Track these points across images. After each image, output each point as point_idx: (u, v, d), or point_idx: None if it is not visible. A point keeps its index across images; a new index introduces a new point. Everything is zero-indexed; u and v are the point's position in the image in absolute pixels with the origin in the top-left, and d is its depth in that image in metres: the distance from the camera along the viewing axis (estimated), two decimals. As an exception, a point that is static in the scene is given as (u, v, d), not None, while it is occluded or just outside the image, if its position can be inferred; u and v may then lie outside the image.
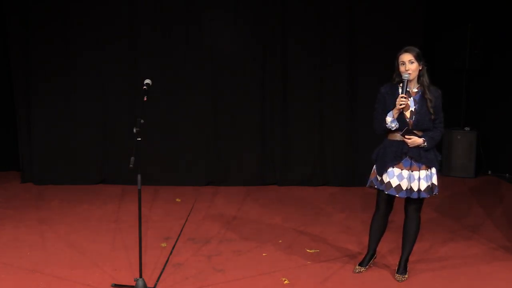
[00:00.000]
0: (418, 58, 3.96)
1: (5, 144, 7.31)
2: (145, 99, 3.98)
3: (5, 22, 6.88)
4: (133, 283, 3.93)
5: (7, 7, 6.82)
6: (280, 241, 5.03)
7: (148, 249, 4.76)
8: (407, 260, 4.24)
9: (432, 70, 7.76)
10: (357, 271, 4.27)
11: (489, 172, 7.54)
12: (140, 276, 3.93)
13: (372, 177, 4.15)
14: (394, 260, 4.47)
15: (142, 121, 3.82)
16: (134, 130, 3.79)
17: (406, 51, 3.98)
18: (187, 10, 6.84)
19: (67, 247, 4.84)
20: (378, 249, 4.40)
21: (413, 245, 4.23)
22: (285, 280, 4.17)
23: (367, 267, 4.31)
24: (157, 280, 4.15)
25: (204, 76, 6.94)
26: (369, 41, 6.82)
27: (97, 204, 6.18)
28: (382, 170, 4.03)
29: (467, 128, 7.42)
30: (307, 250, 4.79)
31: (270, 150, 7.09)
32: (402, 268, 4.22)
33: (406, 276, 4.19)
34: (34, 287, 4.05)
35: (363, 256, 4.42)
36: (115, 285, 4.06)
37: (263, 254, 4.70)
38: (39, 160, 6.99)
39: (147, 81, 4.10)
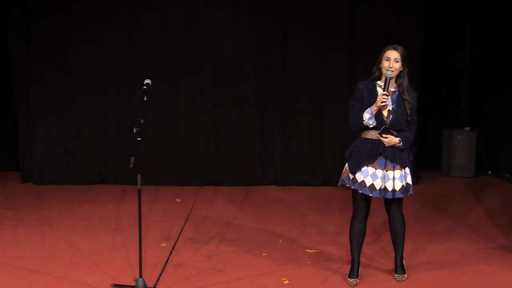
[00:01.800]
0: (403, 59, 3.93)
1: (5, 144, 7.31)
2: (145, 99, 3.98)
3: (5, 22, 6.88)
4: (133, 283, 3.93)
5: (7, 8, 6.83)
6: (280, 241, 5.03)
7: (148, 249, 4.76)
8: (402, 259, 4.22)
9: (432, 70, 7.77)
10: (354, 283, 4.08)
11: (489, 172, 7.54)
12: (140, 276, 3.93)
13: (344, 175, 4.09)
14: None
15: (142, 121, 3.83)
16: (134, 130, 3.80)
17: (395, 49, 3.94)
18: (187, 8, 6.83)
19: (67, 247, 4.84)
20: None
21: (404, 243, 4.20)
22: (285, 280, 4.17)
23: (359, 277, 4.16)
24: (157, 280, 4.15)
25: (204, 75, 6.93)
26: (369, 43, 6.81)
27: (97, 204, 6.18)
28: (355, 169, 3.97)
29: (467, 128, 7.41)
30: (307, 250, 4.79)
31: (270, 150, 7.09)
32: (400, 268, 4.20)
33: (406, 275, 4.19)
34: (34, 287, 4.06)
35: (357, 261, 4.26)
36: (115, 285, 4.06)
37: (263, 254, 4.70)
38: (39, 160, 6.99)
39: (147, 81, 4.10)
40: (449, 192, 6.74)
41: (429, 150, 7.55)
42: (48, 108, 6.93)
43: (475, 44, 7.18)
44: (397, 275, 4.19)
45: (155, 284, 4.09)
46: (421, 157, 7.25)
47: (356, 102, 4.02)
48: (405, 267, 4.24)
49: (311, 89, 6.96)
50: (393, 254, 4.28)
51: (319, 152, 7.03)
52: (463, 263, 4.51)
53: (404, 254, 4.31)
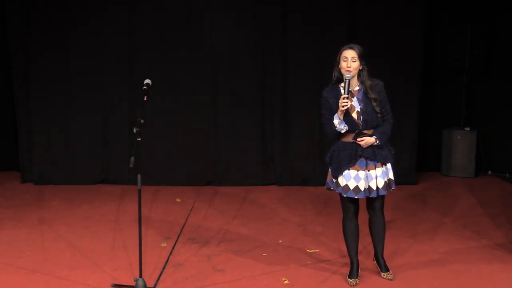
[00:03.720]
0: (360, 57, 3.92)
1: (5, 144, 7.31)
2: (145, 99, 3.98)
3: (5, 22, 6.89)
4: (133, 283, 3.93)
5: (7, 9, 6.83)
6: (280, 241, 5.03)
7: (148, 249, 4.76)
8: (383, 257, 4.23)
9: (432, 70, 7.74)
10: (354, 284, 4.09)
11: (489, 172, 7.53)
12: (140, 276, 3.93)
13: (328, 179, 4.10)
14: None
15: (142, 121, 3.83)
16: (134, 130, 3.80)
17: (351, 48, 3.93)
18: (187, 7, 6.84)
19: (67, 247, 4.84)
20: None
21: (384, 241, 4.20)
22: (285, 280, 4.17)
23: (359, 277, 4.17)
24: (157, 280, 4.16)
25: (203, 75, 6.94)
26: (369, 45, 6.79)
27: (97, 204, 6.18)
28: (337, 173, 3.98)
29: (467, 128, 7.41)
30: (307, 250, 4.79)
31: (270, 150, 7.09)
32: (385, 267, 4.19)
33: (391, 272, 4.18)
34: (34, 287, 4.06)
35: (360, 261, 4.29)
36: (115, 285, 4.06)
37: (263, 254, 4.70)
38: (39, 160, 6.99)
39: (147, 81, 4.10)
40: (449, 192, 6.74)
41: (429, 150, 7.54)
42: (48, 108, 6.93)
43: (475, 44, 7.17)
44: (384, 274, 4.16)
45: (155, 284, 4.09)
46: (421, 157, 7.25)
47: (325, 110, 4.03)
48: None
49: (311, 90, 6.95)
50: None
51: (319, 152, 7.02)
52: (463, 263, 4.50)
53: (406, 253, 4.31)
